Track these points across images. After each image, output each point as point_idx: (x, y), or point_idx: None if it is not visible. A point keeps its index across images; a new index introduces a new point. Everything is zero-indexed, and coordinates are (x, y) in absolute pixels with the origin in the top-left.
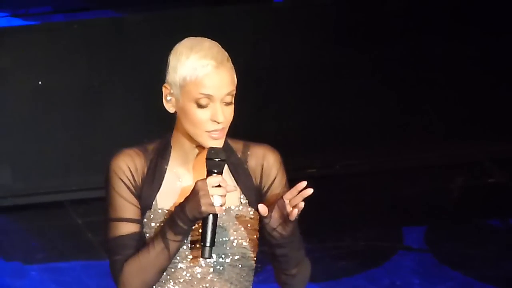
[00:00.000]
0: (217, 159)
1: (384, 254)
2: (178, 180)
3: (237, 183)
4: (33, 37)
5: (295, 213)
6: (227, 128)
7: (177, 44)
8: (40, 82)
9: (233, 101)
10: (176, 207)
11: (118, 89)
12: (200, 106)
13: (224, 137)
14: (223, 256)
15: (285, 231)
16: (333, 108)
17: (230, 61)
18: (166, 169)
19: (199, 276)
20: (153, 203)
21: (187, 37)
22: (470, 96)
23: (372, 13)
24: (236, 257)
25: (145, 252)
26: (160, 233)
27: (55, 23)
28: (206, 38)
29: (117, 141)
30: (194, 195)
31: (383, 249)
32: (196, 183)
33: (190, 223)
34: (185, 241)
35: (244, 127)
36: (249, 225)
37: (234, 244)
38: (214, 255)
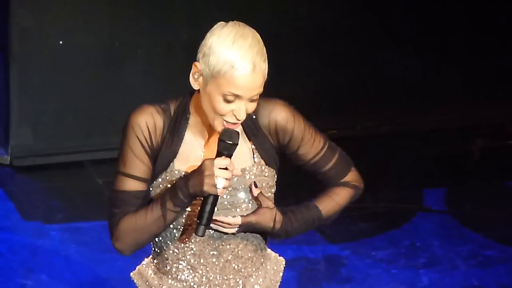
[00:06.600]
0: (229, 142)
1: (404, 215)
2: (195, 147)
3: (250, 142)
4: None
5: None
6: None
7: (220, 27)
8: (61, 42)
9: (258, 97)
10: (180, 179)
11: (139, 50)
12: (226, 101)
13: (238, 126)
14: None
15: None
16: (354, 70)
17: (266, 61)
18: (184, 134)
19: (215, 235)
20: (170, 164)
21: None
22: (490, 58)
23: None
24: None
25: (142, 214)
26: (161, 200)
27: None
28: (250, 29)
29: (138, 102)
30: (199, 173)
31: (403, 210)
32: (203, 161)
33: (190, 198)
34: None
35: (266, 88)
36: (263, 184)
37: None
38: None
